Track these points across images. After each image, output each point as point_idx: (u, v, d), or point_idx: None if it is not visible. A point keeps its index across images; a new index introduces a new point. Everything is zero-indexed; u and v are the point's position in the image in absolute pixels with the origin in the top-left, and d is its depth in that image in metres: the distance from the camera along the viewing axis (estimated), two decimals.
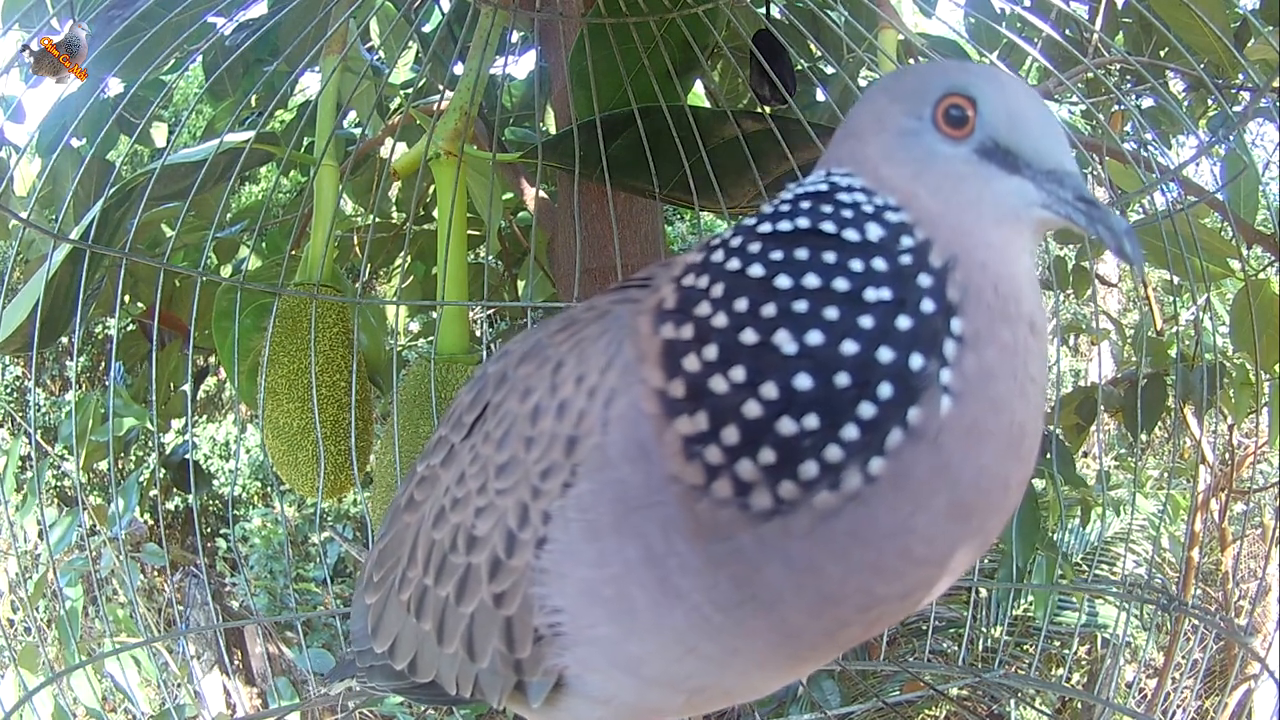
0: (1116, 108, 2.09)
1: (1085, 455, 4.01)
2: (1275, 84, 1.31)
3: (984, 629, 3.19)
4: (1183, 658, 2.70)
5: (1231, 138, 1.24)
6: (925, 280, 0.47)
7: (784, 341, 0.45)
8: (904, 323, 0.46)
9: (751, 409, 0.45)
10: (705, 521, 0.47)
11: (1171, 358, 2.08)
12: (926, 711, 3.30)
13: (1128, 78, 2.03)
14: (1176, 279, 1.38)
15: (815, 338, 0.45)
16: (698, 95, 1.89)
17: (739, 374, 0.46)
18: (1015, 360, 0.47)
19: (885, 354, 0.45)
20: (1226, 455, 2.66)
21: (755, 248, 0.49)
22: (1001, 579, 1.75)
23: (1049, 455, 1.43)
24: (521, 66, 2.48)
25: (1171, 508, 2.85)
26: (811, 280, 0.47)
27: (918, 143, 0.52)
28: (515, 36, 1.73)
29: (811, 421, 0.44)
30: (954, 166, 0.51)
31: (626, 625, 0.52)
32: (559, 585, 0.53)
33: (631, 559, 0.50)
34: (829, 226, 0.49)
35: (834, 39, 1.69)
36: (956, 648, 3.07)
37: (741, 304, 0.47)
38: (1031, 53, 1.54)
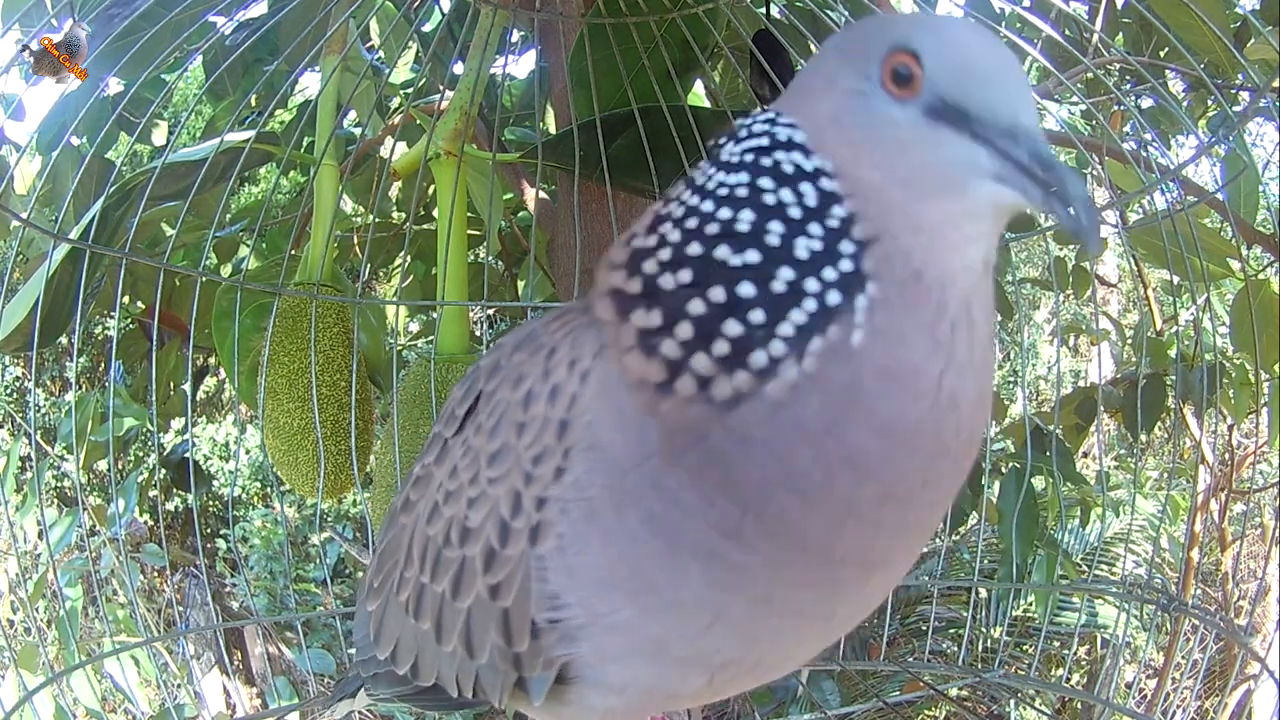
0: (1116, 108, 2.09)
1: (1085, 455, 4.01)
2: (1275, 84, 1.31)
3: (984, 629, 3.19)
4: (1183, 658, 2.70)
5: (1231, 138, 1.24)
6: (848, 246, 0.49)
7: (726, 255, 0.49)
8: (829, 273, 0.48)
9: (698, 306, 0.49)
10: (677, 424, 0.49)
11: (1171, 358, 2.08)
12: (926, 711, 3.30)
13: (1127, 78, 2.03)
14: (1176, 279, 1.38)
15: (754, 256, 0.49)
16: (698, 95, 1.89)
17: (686, 275, 0.50)
18: (932, 336, 0.48)
19: (812, 284, 0.48)
20: (1226, 455, 2.66)
21: (710, 185, 0.52)
22: (1001, 579, 1.76)
23: (1049, 453, 1.43)
24: (521, 66, 2.48)
25: (1171, 508, 2.85)
26: (748, 215, 0.50)
27: (864, 105, 0.50)
28: (515, 36, 1.73)
29: (757, 316, 0.48)
30: (900, 131, 0.49)
31: (646, 604, 0.51)
32: (568, 579, 0.53)
33: (635, 528, 0.50)
34: (766, 182, 0.51)
35: None
36: (956, 648, 3.07)
37: (691, 222, 0.51)
38: (1031, 53, 1.54)
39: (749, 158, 0.52)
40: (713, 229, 0.50)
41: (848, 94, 0.51)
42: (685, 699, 0.60)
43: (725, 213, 0.50)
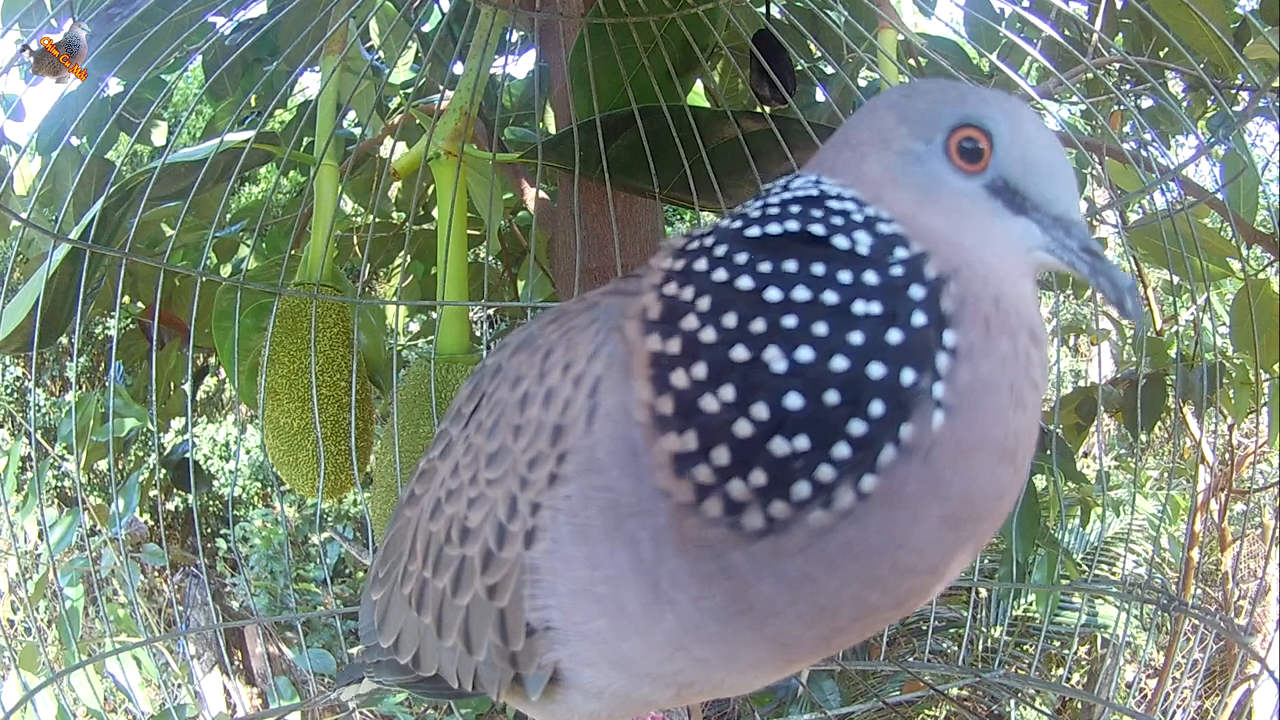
0: (1116, 108, 2.09)
1: (1085, 455, 4.01)
2: (1275, 84, 1.31)
3: (984, 629, 3.19)
4: (1183, 658, 2.70)
5: (1231, 138, 1.24)
6: (917, 292, 0.45)
7: (774, 359, 0.44)
8: (894, 337, 0.44)
9: (742, 429, 0.44)
10: (695, 539, 0.46)
11: (1171, 358, 2.08)
12: (926, 711, 3.30)
13: (1127, 78, 2.03)
14: (1176, 279, 1.38)
15: (805, 354, 0.44)
16: (698, 95, 1.89)
17: (729, 393, 0.44)
18: (1015, 370, 0.46)
19: (876, 370, 0.44)
20: (1226, 455, 2.66)
21: (742, 258, 0.47)
22: (1002, 578, 1.76)
23: (1049, 452, 1.43)
24: (521, 66, 2.48)
25: (1171, 508, 2.85)
26: (801, 294, 0.45)
27: (923, 169, 0.50)
28: (515, 36, 1.73)
29: (803, 442, 0.43)
30: (961, 200, 0.50)
31: (619, 624, 0.52)
32: (551, 582, 0.53)
33: (623, 565, 0.49)
34: (818, 229, 0.47)
35: (834, 39, 1.69)
36: (956, 648, 3.07)
37: (730, 319, 0.45)
38: (1031, 53, 1.54)
39: (795, 209, 0.49)
40: (759, 326, 0.44)
41: (902, 154, 0.51)
42: (662, 704, 0.61)
43: (774, 294, 0.45)
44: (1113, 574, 3.43)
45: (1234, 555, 3.11)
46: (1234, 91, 1.73)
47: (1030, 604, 3.37)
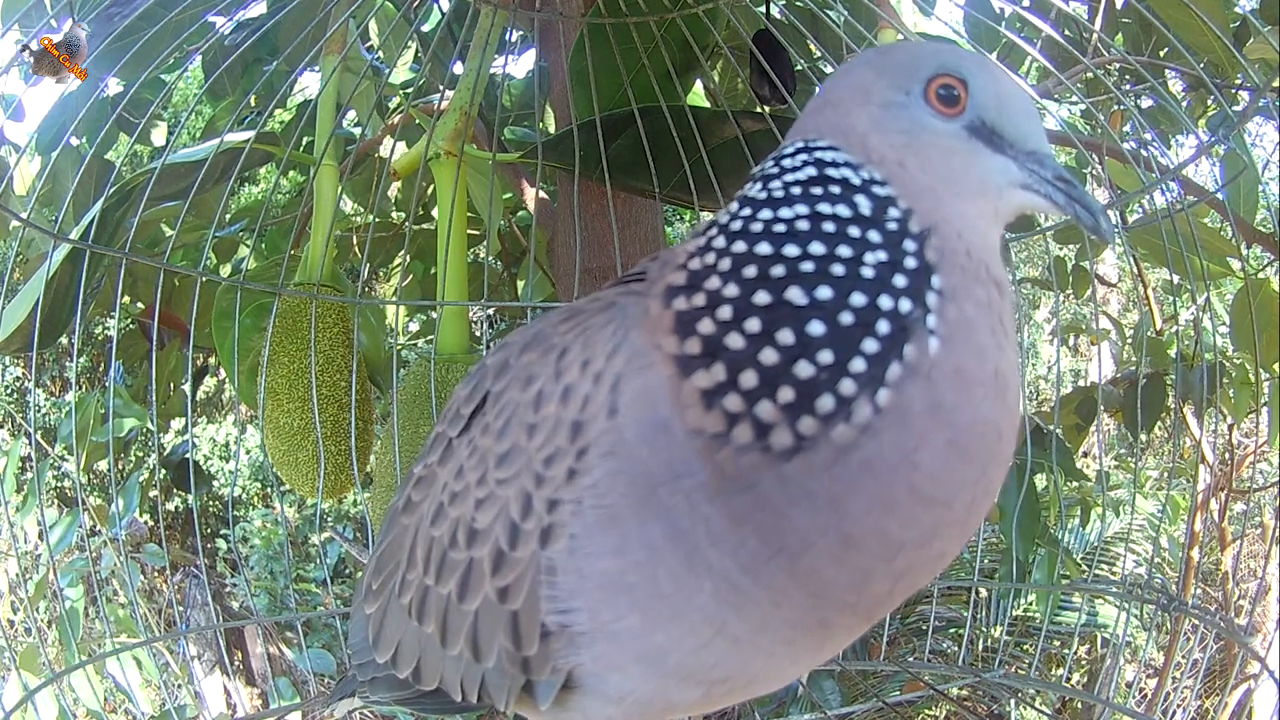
0: (1116, 107, 2.09)
1: (1085, 455, 4.01)
2: (1275, 84, 1.31)
3: (984, 629, 3.19)
4: (1183, 658, 2.70)
5: (1231, 137, 1.24)
6: (909, 245, 0.51)
7: (796, 297, 0.49)
8: (899, 280, 0.50)
9: (769, 356, 0.49)
10: (729, 472, 0.48)
11: (1171, 358, 2.08)
12: (926, 711, 3.30)
13: (1127, 77, 2.03)
14: (1176, 279, 1.38)
15: (825, 292, 0.49)
16: (698, 95, 1.89)
17: (754, 325, 0.49)
18: (990, 314, 0.52)
19: (885, 301, 0.49)
20: (1226, 455, 2.66)
21: (758, 227, 0.52)
22: (1002, 578, 1.76)
23: (1048, 450, 1.43)
24: (521, 66, 2.48)
25: (1171, 508, 2.85)
26: (818, 248, 0.51)
27: (906, 114, 0.55)
28: (515, 36, 1.73)
29: (825, 357, 0.48)
30: (944, 140, 0.55)
31: (653, 613, 0.51)
32: (576, 583, 0.52)
33: (656, 539, 0.50)
34: (825, 207, 0.52)
35: (834, 39, 1.68)
36: (956, 648, 3.07)
37: (750, 271, 0.51)
38: (1031, 53, 1.54)
39: (797, 190, 0.53)
40: (779, 271, 0.50)
41: (884, 105, 0.55)
42: (680, 710, 0.60)
43: (792, 249, 0.51)
44: (1113, 574, 3.43)
45: (1234, 555, 3.11)
46: (1234, 91, 1.73)
47: (1030, 604, 3.37)
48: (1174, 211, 1.19)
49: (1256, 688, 2.27)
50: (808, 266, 0.50)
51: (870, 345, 0.48)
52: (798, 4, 1.73)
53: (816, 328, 0.49)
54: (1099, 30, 1.70)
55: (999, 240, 0.56)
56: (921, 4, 1.41)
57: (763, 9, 1.34)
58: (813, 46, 1.52)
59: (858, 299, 0.49)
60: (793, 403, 0.48)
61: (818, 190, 0.53)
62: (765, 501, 0.48)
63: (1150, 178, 1.20)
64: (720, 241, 0.53)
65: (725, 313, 0.50)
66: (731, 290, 0.51)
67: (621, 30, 1.33)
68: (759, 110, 1.40)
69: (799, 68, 1.41)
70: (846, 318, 0.49)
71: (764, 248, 0.51)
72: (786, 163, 0.55)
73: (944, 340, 0.49)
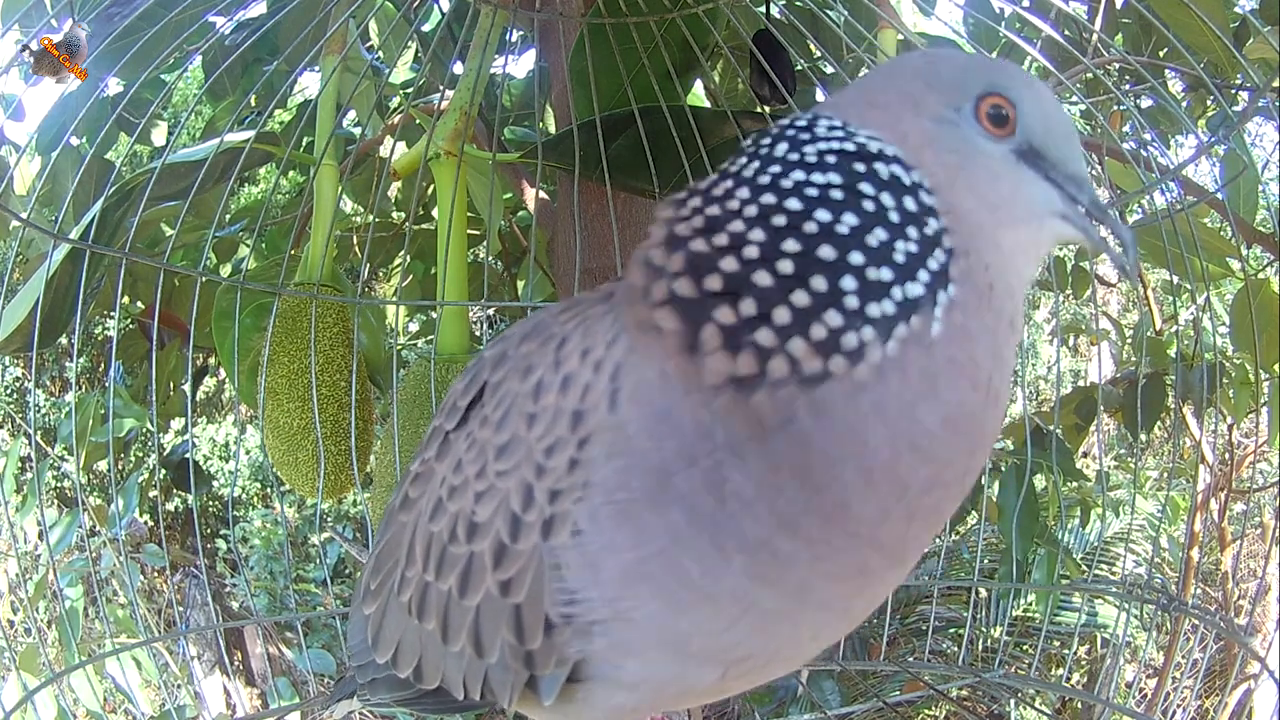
0: (1116, 107, 2.09)
1: (1085, 455, 4.01)
2: (1275, 84, 1.31)
3: (984, 629, 3.19)
4: (1183, 658, 2.70)
5: (1231, 137, 1.24)
6: (940, 254, 0.52)
7: (827, 254, 0.50)
8: (921, 274, 0.51)
9: (800, 298, 0.49)
10: (765, 413, 0.49)
11: (1171, 358, 2.08)
12: (926, 711, 3.30)
13: (1127, 77, 2.03)
14: (1176, 279, 1.38)
15: (858, 257, 0.50)
16: (698, 95, 1.89)
17: (787, 266, 0.50)
18: (990, 339, 0.53)
19: (904, 280, 0.51)
20: (1226, 455, 2.66)
21: (788, 184, 0.52)
22: (1002, 578, 1.76)
23: (1048, 450, 1.43)
24: (521, 66, 2.48)
25: (1171, 508, 2.85)
26: (850, 219, 0.51)
27: (957, 133, 0.55)
28: (515, 36, 1.73)
29: (853, 302, 0.49)
30: (993, 163, 0.55)
31: (676, 599, 0.51)
32: (591, 574, 0.52)
33: (678, 528, 0.50)
34: (868, 188, 0.52)
35: (834, 39, 1.69)
36: (956, 648, 3.07)
37: (780, 220, 0.51)
38: (1031, 52, 1.54)
39: (832, 159, 0.53)
40: (811, 227, 0.51)
41: (939, 120, 0.55)
42: (693, 697, 0.60)
43: (824, 214, 0.51)
44: (1113, 574, 3.43)
45: (1234, 555, 3.11)
46: (1234, 91, 1.73)
47: (1030, 604, 3.37)
48: (1174, 212, 1.19)
49: (1256, 688, 2.27)
50: (842, 229, 0.51)
51: (887, 305, 0.50)
52: (798, 4, 1.73)
53: (849, 282, 0.50)
54: (1099, 30, 1.70)
55: (1029, 278, 0.57)
56: (921, 4, 1.40)
57: (763, 9, 1.34)
58: (813, 46, 1.52)
59: (885, 273, 0.50)
60: (824, 339, 0.49)
61: (860, 167, 0.53)
62: (800, 435, 0.49)
63: (1150, 178, 1.20)
64: (744, 192, 0.53)
65: (752, 252, 0.50)
66: (758, 234, 0.51)
67: (621, 30, 1.33)
68: (759, 110, 1.40)
69: (799, 68, 1.41)
70: (873, 276, 0.50)
71: (794, 203, 0.51)
72: (820, 130, 0.55)
73: (945, 332, 0.51)
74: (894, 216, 0.52)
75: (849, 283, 0.50)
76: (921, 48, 1.58)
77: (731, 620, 0.52)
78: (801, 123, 0.56)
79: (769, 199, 0.52)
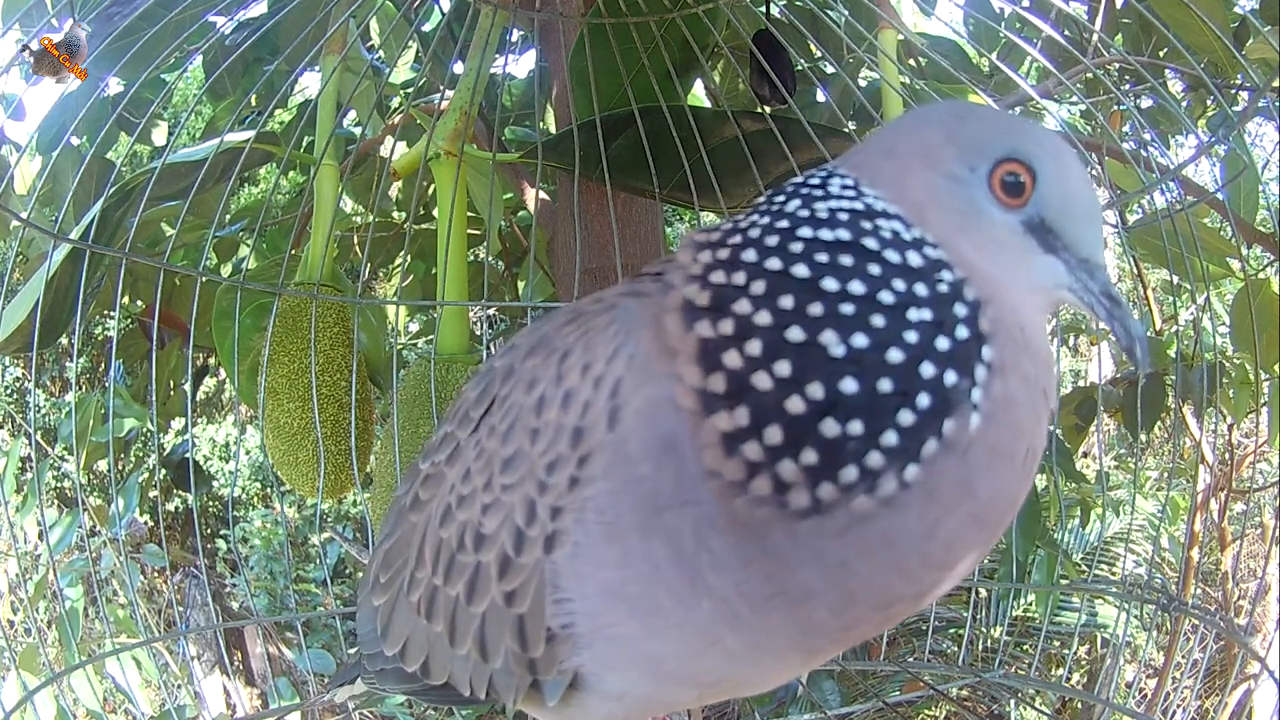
0: (1116, 107, 2.09)
1: (1085, 455, 4.01)
2: (1275, 84, 1.31)
3: (984, 629, 3.19)
4: (1183, 658, 2.70)
5: (1231, 138, 1.24)
6: (961, 310, 0.48)
7: (831, 343, 0.46)
8: (943, 343, 0.47)
9: (795, 405, 0.45)
10: (741, 519, 0.47)
11: (1171, 358, 2.08)
12: (926, 711, 3.30)
13: (1127, 77, 2.03)
14: (1176, 279, 1.38)
15: (861, 341, 0.46)
16: (697, 95, 1.89)
17: (784, 369, 0.46)
18: (1034, 390, 0.50)
19: (927, 368, 0.46)
20: (1226, 455, 2.66)
21: (797, 248, 0.49)
22: (1002, 578, 1.76)
23: (1049, 452, 1.43)
24: (521, 66, 2.48)
25: (1171, 508, 2.85)
26: (858, 287, 0.47)
27: (966, 196, 0.52)
28: (515, 36, 1.73)
29: (856, 427, 0.45)
30: (998, 232, 0.52)
31: (650, 623, 0.51)
32: (576, 586, 0.52)
33: (659, 559, 0.49)
34: (871, 243, 0.49)
35: (834, 39, 1.69)
36: (956, 648, 3.07)
37: (786, 301, 0.47)
38: (1031, 53, 1.54)
39: (844, 216, 0.50)
40: (816, 310, 0.46)
41: (949, 178, 0.52)
42: (679, 706, 0.61)
43: (831, 283, 0.47)
44: (1113, 574, 3.43)
45: (1234, 555, 3.11)
46: (1234, 91, 1.73)
47: (1030, 604, 3.37)
48: (1174, 212, 1.19)
49: (1256, 688, 2.27)
50: (847, 309, 0.46)
51: (906, 417, 0.45)
52: (798, 4, 1.73)
53: (850, 385, 0.45)
54: (1099, 30, 1.70)
55: (1045, 325, 0.54)
56: (922, 4, 1.41)
57: (763, 9, 1.34)
58: (813, 46, 1.52)
59: (895, 355, 0.46)
60: (815, 466, 0.45)
61: (867, 225, 0.49)
62: (773, 552, 0.47)
63: (1150, 178, 1.20)
64: (751, 255, 0.49)
65: (755, 347, 0.46)
66: (764, 319, 0.47)
67: (621, 30, 1.33)
68: (759, 110, 1.40)
69: (799, 68, 1.41)
70: (884, 384, 0.45)
71: (801, 270, 0.47)
72: (833, 188, 0.52)
73: (986, 417, 0.47)
74: (899, 281, 0.47)
75: (849, 386, 0.45)
76: (921, 48, 1.59)
77: (699, 651, 0.52)
78: (815, 180, 0.53)
79: (775, 264, 0.48)
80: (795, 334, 0.46)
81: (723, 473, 0.47)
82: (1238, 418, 2.18)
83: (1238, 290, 1.72)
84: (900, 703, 2.09)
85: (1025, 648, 3.54)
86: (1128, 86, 1.91)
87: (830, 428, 0.45)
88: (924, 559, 0.48)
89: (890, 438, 0.45)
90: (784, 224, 0.50)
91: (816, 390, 0.45)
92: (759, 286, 0.48)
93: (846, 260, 0.48)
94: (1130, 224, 1.72)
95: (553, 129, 1.86)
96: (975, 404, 0.47)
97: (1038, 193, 0.51)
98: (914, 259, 0.49)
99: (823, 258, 0.48)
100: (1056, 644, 3.58)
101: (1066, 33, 1.88)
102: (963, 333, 0.47)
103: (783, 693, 2.45)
